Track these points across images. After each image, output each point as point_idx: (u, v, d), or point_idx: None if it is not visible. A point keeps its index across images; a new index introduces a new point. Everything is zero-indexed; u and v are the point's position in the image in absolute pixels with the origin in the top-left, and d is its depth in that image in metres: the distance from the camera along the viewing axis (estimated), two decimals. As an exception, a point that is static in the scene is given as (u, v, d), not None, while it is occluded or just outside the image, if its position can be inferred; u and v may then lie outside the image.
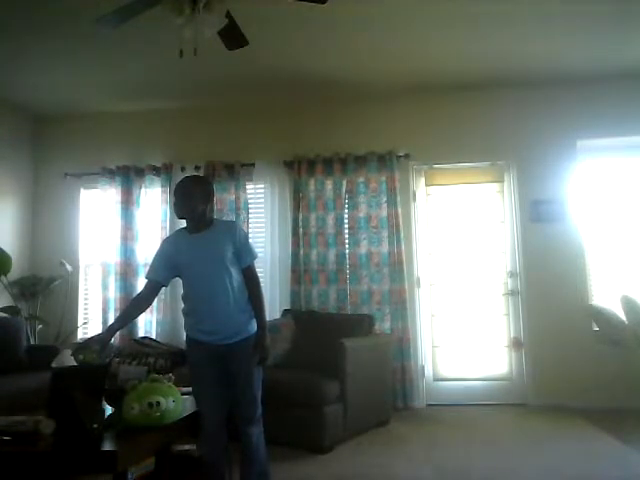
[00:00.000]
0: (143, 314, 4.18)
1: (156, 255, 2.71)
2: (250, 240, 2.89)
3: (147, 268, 2.78)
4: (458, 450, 3.53)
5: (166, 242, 2.76)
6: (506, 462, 3.28)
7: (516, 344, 4.82)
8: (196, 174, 4.84)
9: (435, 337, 4.95)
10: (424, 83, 4.87)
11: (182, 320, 2.72)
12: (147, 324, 5.02)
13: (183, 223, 2.71)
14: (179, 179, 2.80)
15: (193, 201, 2.60)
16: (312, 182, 5.01)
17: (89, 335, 4.94)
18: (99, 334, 2.70)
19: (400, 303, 4.73)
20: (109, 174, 5.26)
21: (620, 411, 4.23)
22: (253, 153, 5.13)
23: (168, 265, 2.65)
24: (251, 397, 2.57)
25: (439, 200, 5.08)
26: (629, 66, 4.58)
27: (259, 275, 2.77)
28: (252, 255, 2.68)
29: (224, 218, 4.84)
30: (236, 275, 2.59)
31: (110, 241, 5.15)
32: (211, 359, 2.57)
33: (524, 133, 4.91)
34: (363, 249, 4.86)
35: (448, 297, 4.96)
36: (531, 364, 4.71)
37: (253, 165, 5.10)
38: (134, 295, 4.71)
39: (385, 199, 4.89)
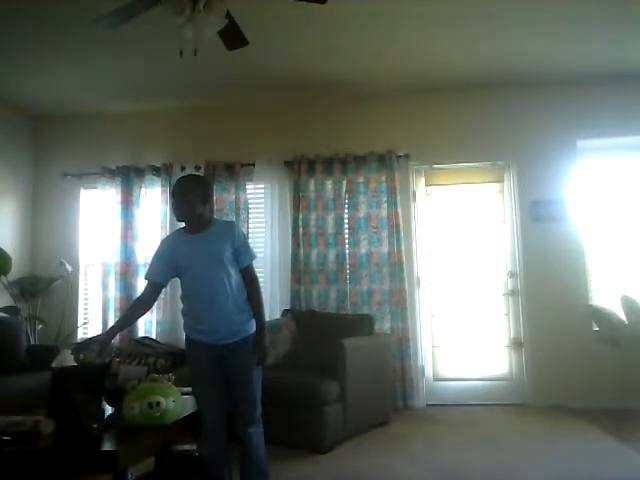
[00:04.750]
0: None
1: (155, 255, 2.70)
2: (249, 240, 2.88)
3: (147, 268, 2.78)
4: (458, 450, 3.53)
5: (165, 242, 2.76)
6: (506, 462, 3.27)
7: (516, 344, 4.82)
8: (194, 174, 4.82)
9: (435, 337, 4.95)
10: (424, 83, 4.87)
11: (182, 320, 2.71)
12: (147, 324, 5.02)
13: (183, 223, 2.70)
14: (179, 179, 2.79)
15: (191, 201, 2.59)
16: (312, 182, 5.01)
17: (89, 335, 4.94)
18: (99, 335, 2.70)
19: (400, 303, 4.73)
20: (109, 174, 5.26)
21: (620, 411, 4.23)
22: (253, 153, 5.13)
23: (167, 265, 2.65)
24: (251, 397, 2.57)
25: (439, 200, 5.08)
26: (629, 66, 4.57)
27: (259, 275, 2.78)
28: (251, 255, 2.68)
29: (224, 218, 4.83)
30: (235, 275, 2.59)
31: (110, 241, 5.15)
32: (210, 359, 2.57)
33: (524, 133, 4.91)
34: (363, 249, 4.86)
35: (448, 297, 4.95)
36: (531, 364, 4.70)
37: (253, 165, 5.10)
38: (134, 295, 4.74)
39: (385, 199, 4.89)
